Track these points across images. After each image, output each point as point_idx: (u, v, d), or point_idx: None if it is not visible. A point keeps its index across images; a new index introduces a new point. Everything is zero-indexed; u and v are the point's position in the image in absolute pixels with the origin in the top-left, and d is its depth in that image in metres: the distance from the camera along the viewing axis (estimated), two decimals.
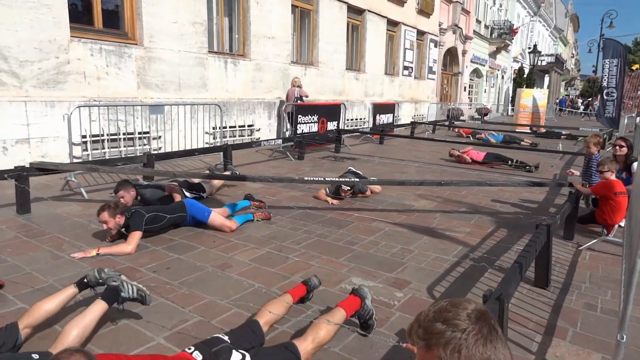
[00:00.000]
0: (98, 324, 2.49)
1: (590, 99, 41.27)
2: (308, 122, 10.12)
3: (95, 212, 3.94)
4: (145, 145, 8.15)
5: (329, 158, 9.61)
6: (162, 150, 8.13)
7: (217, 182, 5.99)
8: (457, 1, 22.96)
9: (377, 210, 5.53)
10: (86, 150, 7.00)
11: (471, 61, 26.83)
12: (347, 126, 13.68)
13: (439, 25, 21.55)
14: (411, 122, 16.21)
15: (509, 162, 9.12)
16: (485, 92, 31.33)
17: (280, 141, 9.28)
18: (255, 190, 6.22)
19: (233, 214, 4.85)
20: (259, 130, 11.04)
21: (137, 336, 2.57)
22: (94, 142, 7.17)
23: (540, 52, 30.98)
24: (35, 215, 4.78)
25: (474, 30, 26.23)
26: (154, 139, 8.28)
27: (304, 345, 2.22)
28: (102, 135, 7.20)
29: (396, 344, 2.54)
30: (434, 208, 5.75)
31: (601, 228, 4.77)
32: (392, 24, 17.49)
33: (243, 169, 7.85)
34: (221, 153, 7.62)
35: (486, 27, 29.75)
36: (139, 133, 7.96)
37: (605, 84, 15.00)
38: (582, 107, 39.77)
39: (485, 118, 23.62)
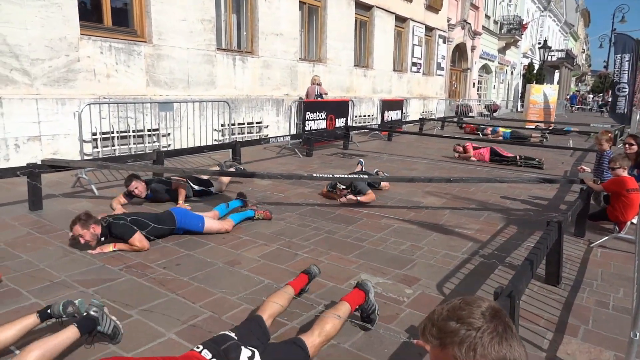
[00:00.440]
0: (65, 352, 2.26)
1: (601, 95, 40.84)
2: (316, 119, 10.12)
3: (70, 226, 3.70)
4: (154, 142, 8.20)
5: (337, 155, 9.61)
6: (171, 148, 8.18)
7: (226, 179, 6.01)
8: None
9: (386, 207, 5.52)
10: (96, 147, 7.06)
11: (480, 57, 26.64)
12: (355, 123, 13.67)
13: (448, 20, 21.41)
14: (420, 118, 16.14)
15: (517, 161, 8.93)
16: (494, 88, 31.10)
17: (288, 138, 9.29)
18: (263, 187, 6.24)
19: (225, 215, 4.65)
20: (267, 127, 11.06)
21: (149, 331, 2.59)
22: (104, 139, 7.22)
23: (550, 47, 30.69)
24: (47, 211, 4.84)
25: (483, 26, 26.02)
26: (163, 136, 8.32)
27: (311, 340, 2.23)
28: (112, 132, 7.25)
29: (406, 340, 2.54)
30: (443, 205, 5.73)
31: (613, 225, 4.73)
32: (401, 20, 17.40)
33: (251, 165, 7.87)
34: (230, 150, 7.64)
35: (495, 22, 29.50)
36: (149, 130, 8.01)
37: (616, 79, 14.82)
38: (593, 104, 39.36)
39: (495, 114, 23.45)
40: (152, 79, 8.30)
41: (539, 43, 31.65)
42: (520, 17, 31.22)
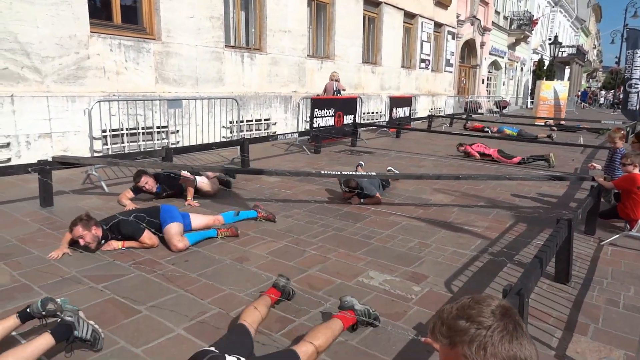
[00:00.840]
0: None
1: (612, 91, 40.44)
2: (324, 116, 10.11)
3: (69, 227, 3.62)
4: (163, 139, 8.25)
5: (345, 152, 9.59)
6: (180, 144, 8.22)
7: (214, 186, 5.66)
8: None
9: (394, 204, 5.51)
10: (106, 144, 7.11)
11: (489, 53, 26.42)
12: (364, 120, 13.64)
13: (457, 16, 21.26)
14: (428, 115, 16.06)
15: (525, 159, 8.71)
16: (503, 84, 30.85)
17: (296, 135, 9.29)
18: (271, 184, 6.25)
19: (233, 223, 4.40)
20: (275, 124, 11.07)
21: (158, 327, 2.62)
22: (113, 136, 7.28)
23: (561, 43, 30.36)
24: (58, 208, 4.89)
25: (492, 22, 25.79)
26: (172, 133, 8.37)
27: (304, 350, 2.18)
28: (122, 129, 7.30)
29: (414, 337, 2.54)
30: (452, 202, 5.70)
31: (624, 223, 4.68)
32: (409, 16, 17.31)
33: (260, 162, 7.89)
34: (238, 147, 7.66)
35: (505, 18, 29.23)
36: (158, 127, 8.05)
37: (628, 75, 14.63)
38: (605, 101, 38.90)
39: (504, 111, 23.28)
40: (161, 76, 8.34)
41: (550, 39, 31.31)
42: (530, 12, 30.89)
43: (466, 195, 6.08)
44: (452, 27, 21.02)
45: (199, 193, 5.44)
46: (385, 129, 12.88)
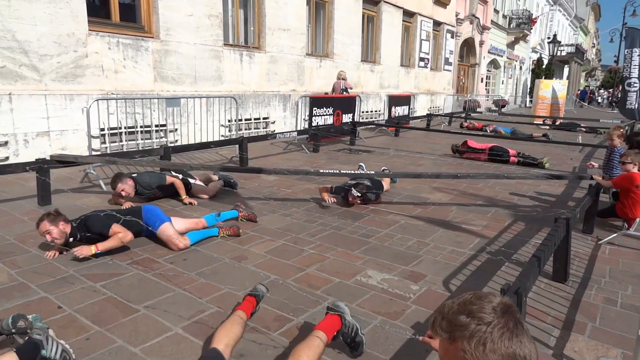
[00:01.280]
0: None
1: (610, 90, 40.51)
2: (323, 115, 10.10)
3: (36, 223, 3.51)
4: (162, 137, 8.24)
5: (344, 151, 9.59)
6: (178, 143, 8.21)
7: (211, 189, 5.56)
8: None
9: (393, 203, 5.51)
10: (104, 143, 7.10)
11: (488, 52, 26.42)
12: (362, 118, 13.62)
13: (456, 15, 21.24)
14: (427, 114, 16.06)
15: (518, 157, 8.50)
16: (502, 83, 30.86)
17: (295, 134, 9.29)
18: (270, 183, 6.25)
19: (214, 225, 4.28)
20: (274, 122, 11.06)
21: (156, 326, 2.62)
22: (112, 134, 7.27)
23: (559, 42, 30.36)
24: (56, 206, 4.83)
25: (491, 20, 25.79)
26: (170, 131, 8.36)
27: None
28: (120, 128, 7.29)
29: (412, 336, 2.54)
30: (450, 201, 5.71)
31: (622, 222, 4.68)
32: (408, 14, 17.29)
33: (258, 161, 7.89)
34: (237, 146, 7.66)
35: (504, 16, 29.22)
36: (156, 126, 8.04)
37: (627, 74, 14.63)
38: (603, 100, 38.93)
39: (503, 110, 23.29)
40: (160, 74, 8.32)
41: (549, 38, 31.35)
42: (529, 11, 30.89)
43: (465, 194, 6.08)
44: (451, 26, 21.01)
45: (193, 196, 5.32)
46: (384, 127, 12.87)
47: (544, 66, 33.20)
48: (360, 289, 3.16)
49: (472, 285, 3.27)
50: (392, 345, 2.50)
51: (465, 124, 15.05)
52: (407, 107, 14.54)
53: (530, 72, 34.99)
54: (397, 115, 13.71)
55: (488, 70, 28.06)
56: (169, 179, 5.18)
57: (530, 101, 27.83)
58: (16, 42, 6.39)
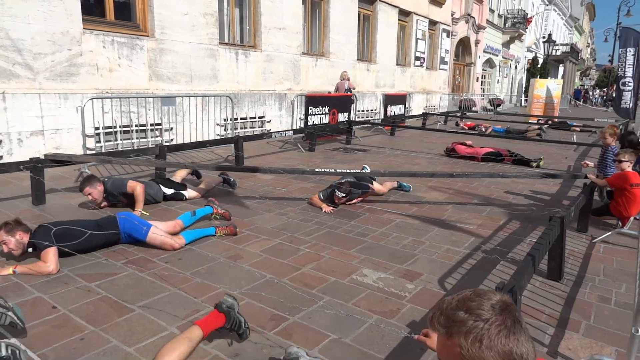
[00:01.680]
0: None
1: (604, 89, 40.73)
2: (319, 114, 10.10)
3: None
4: (157, 136, 8.20)
5: (339, 150, 9.59)
6: (173, 142, 8.19)
7: (204, 188, 5.49)
8: None
9: (389, 202, 5.51)
10: (99, 142, 7.07)
11: (484, 51, 26.48)
12: (358, 117, 13.63)
13: (452, 14, 21.28)
14: (423, 113, 16.07)
15: (512, 156, 8.46)
16: (498, 82, 30.94)
17: (291, 133, 9.28)
18: (266, 182, 6.24)
19: (190, 226, 4.23)
20: (269, 121, 11.05)
21: (151, 325, 2.61)
22: (106, 133, 7.24)
23: (554, 41, 30.42)
24: (50, 206, 4.85)
25: (487, 20, 25.84)
26: (165, 130, 8.33)
27: None
28: (115, 127, 7.25)
29: (407, 335, 2.54)
30: (446, 200, 5.72)
31: (616, 220, 4.71)
32: (404, 13, 17.30)
33: (254, 160, 7.88)
34: (232, 145, 7.64)
35: (500, 16, 29.29)
36: (151, 125, 8.01)
37: (621, 73, 14.70)
38: (597, 99, 39.10)
39: (498, 109, 23.36)
40: (155, 73, 8.29)
41: (544, 37, 31.40)
42: (524, 11, 30.99)
43: (460, 193, 6.09)
44: (447, 25, 21.05)
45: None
46: (380, 126, 12.88)
47: (539, 65, 33.30)
48: (356, 287, 3.16)
49: (468, 284, 3.28)
50: (387, 344, 2.50)
51: (460, 124, 15.10)
52: (403, 106, 14.55)
53: (526, 72, 35.10)
54: (392, 114, 13.72)
55: (483, 70, 28.12)
56: (130, 186, 4.70)
57: (526, 100, 27.92)
58: (10, 40, 6.34)
